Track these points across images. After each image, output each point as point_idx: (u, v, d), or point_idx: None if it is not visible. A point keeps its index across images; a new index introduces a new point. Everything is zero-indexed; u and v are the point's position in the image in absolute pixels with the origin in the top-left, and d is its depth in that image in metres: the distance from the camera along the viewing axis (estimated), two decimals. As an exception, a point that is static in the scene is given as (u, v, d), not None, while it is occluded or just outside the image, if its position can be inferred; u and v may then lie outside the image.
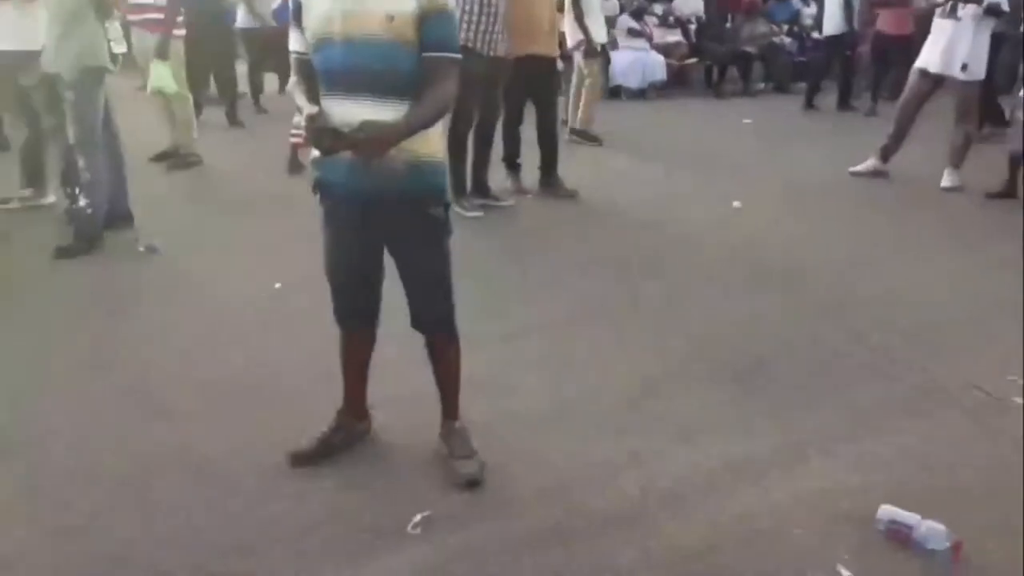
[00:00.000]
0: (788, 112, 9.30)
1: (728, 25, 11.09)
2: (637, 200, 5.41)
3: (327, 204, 2.24)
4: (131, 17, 5.33)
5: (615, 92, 9.69)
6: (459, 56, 2.12)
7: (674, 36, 10.65)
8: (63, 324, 3.34)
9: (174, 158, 5.90)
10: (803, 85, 9.85)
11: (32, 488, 2.29)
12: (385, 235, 2.23)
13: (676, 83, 10.56)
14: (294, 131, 5.58)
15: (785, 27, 11.62)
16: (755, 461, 2.46)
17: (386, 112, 2.04)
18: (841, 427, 2.66)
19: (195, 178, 5.77)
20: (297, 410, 2.68)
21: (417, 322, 2.34)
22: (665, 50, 10.34)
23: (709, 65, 11.01)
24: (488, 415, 2.63)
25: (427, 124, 2.10)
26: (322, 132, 1.96)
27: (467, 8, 4.40)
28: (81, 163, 4.09)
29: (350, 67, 2.04)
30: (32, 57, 4.23)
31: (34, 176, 4.76)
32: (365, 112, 2.03)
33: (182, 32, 5.58)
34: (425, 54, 2.06)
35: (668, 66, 10.17)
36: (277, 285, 3.74)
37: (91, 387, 2.84)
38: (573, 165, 5.75)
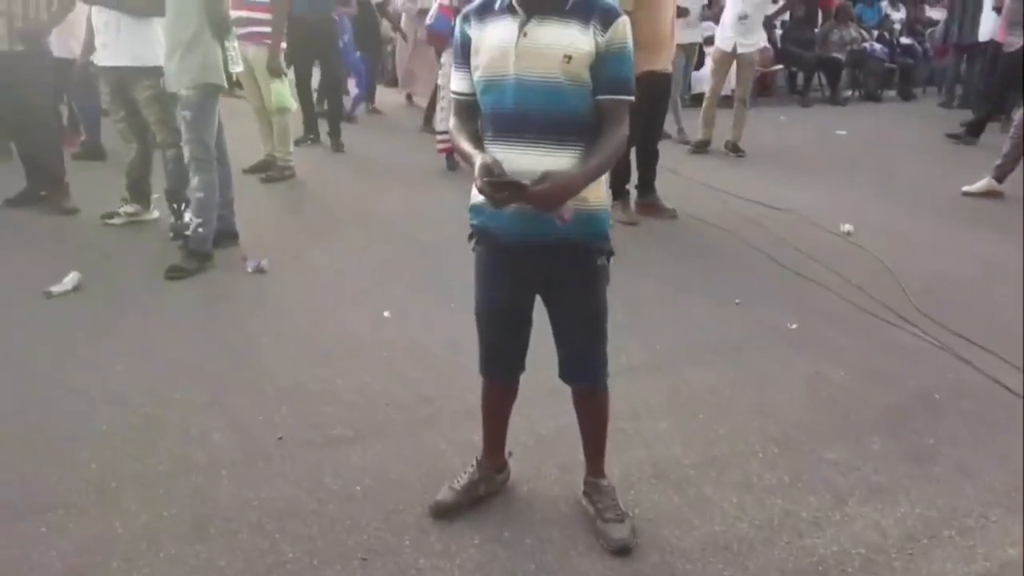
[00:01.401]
0: (882, 122, 8.97)
1: (816, 30, 10.75)
2: (739, 220, 5.22)
3: (484, 250, 2.15)
4: (238, 31, 5.36)
5: (696, 99, 9.46)
6: (633, 97, 2.01)
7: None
8: (175, 350, 3.32)
9: (270, 170, 5.92)
10: (893, 93, 9.50)
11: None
12: (543, 283, 2.13)
13: (759, 90, 10.28)
14: (440, 138, 5.87)
15: (875, 32, 11.24)
16: (926, 526, 2.29)
17: (556, 157, 1.95)
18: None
19: (291, 192, 5.78)
20: (410, 448, 2.62)
21: (567, 372, 2.23)
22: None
23: (793, 71, 10.70)
24: (625, 466, 2.53)
25: (604, 171, 2.00)
26: (502, 187, 1.86)
27: None
28: (195, 182, 4.10)
29: (521, 109, 1.95)
30: (146, 73, 4.27)
31: (139, 191, 4.79)
32: (535, 157, 1.94)
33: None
34: (600, 96, 1.96)
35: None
36: (386, 314, 3.68)
37: (202, 420, 2.80)
38: (660, 180, 5.55)
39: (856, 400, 3.01)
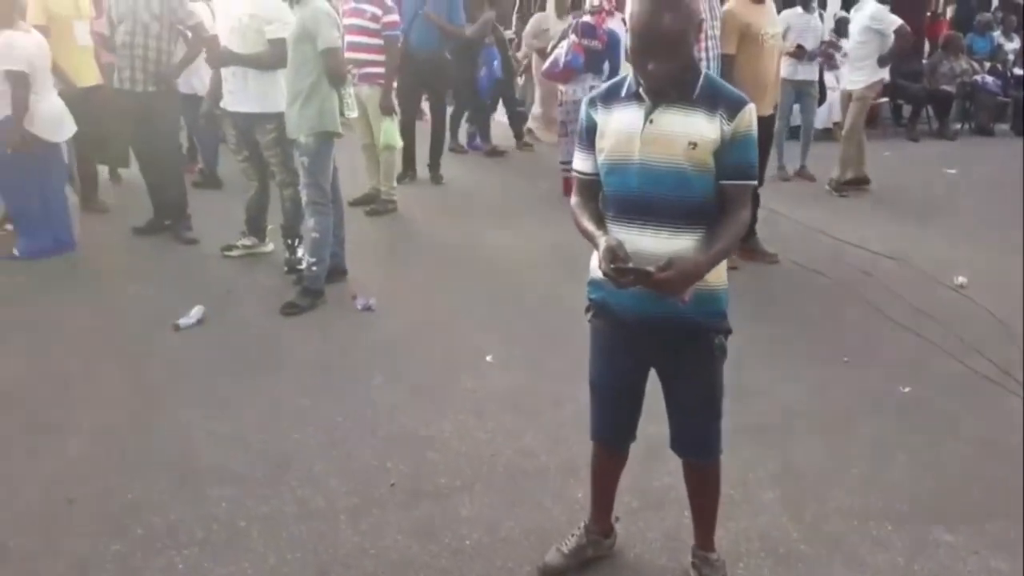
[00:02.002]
0: (995, 160, 8.58)
1: (924, 61, 10.40)
2: (843, 267, 5.10)
3: (601, 324, 2.20)
4: (353, 70, 5.61)
5: (794, 132, 9.28)
6: (756, 182, 2.03)
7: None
8: (291, 388, 3.48)
9: (374, 204, 6.13)
10: (1006, 127, 9.10)
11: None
12: (659, 358, 2.16)
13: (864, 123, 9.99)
14: (565, 167, 6.11)
15: (987, 64, 10.80)
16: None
17: (678, 239, 1.98)
18: None
19: (395, 226, 5.96)
20: (516, 504, 2.67)
21: (678, 444, 2.25)
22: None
23: (899, 104, 10.37)
24: (732, 537, 2.52)
25: (727, 255, 2.03)
26: (627, 272, 1.91)
27: None
28: (311, 223, 4.30)
29: (644, 193, 1.99)
30: (269, 119, 4.53)
31: (256, 226, 5.05)
32: (657, 240, 1.99)
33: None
34: (724, 181, 1.99)
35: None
36: (488, 358, 3.76)
37: (320, 463, 2.93)
38: (760, 221, 5.45)
39: (975, 477, 2.90)
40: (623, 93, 2.04)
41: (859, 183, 7.04)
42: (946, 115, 10.15)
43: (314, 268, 4.32)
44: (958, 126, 10.31)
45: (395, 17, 5.90)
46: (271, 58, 4.40)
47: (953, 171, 7.90)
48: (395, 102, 5.97)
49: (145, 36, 4.93)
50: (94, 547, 2.45)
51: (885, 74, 7.02)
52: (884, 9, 6.79)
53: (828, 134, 9.06)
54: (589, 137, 2.10)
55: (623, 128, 2.01)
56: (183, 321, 4.02)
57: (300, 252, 4.73)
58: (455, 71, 7.51)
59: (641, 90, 1.99)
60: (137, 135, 5.25)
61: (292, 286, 4.47)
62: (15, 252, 4.88)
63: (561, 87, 6.56)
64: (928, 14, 11.36)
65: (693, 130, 1.95)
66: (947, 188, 7.36)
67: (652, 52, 1.89)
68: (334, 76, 4.20)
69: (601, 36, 6.28)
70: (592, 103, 2.10)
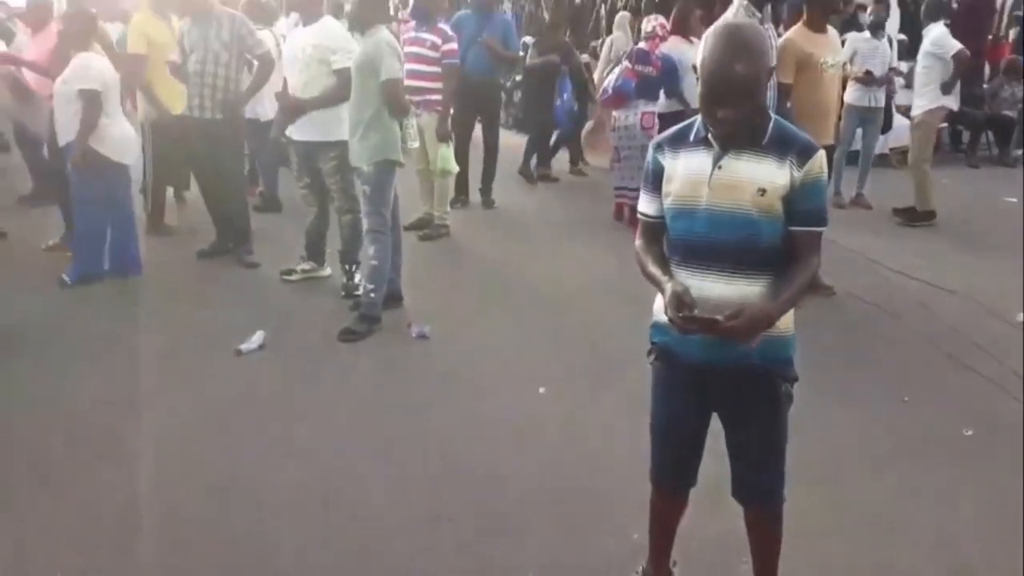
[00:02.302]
0: (1060, 188, 8.33)
1: (984, 85, 10.17)
2: (902, 300, 5.01)
3: (664, 368, 2.21)
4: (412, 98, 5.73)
5: (852, 158, 9.15)
6: (826, 227, 2.04)
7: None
8: (350, 418, 3.56)
9: (427, 228, 6.22)
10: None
11: None
12: (723, 405, 2.17)
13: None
14: (619, 192, 6.41)
15: (1052, 87, 10.50)
16: None
17: (746, 285, 1.99)
18: None
19: (449, 251, 6.04)
20: (572, 542, 2.68)
21: (740, 492, 2.24)
22: (909, 112, 9.64)
23: (958, 129, 10.16)
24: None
25: (797, 302, 2.03)
26: (695, 320, 1.93)
27: None
28: (371, 251, 4.39)
29: (711, 238, 2.01)
30: (331, 147, 4.66)
31: (316, 250, 5.17)
32: (724, 286, 2.00)
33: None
34: (793, 227, 2.00)
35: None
36: (541, 390, 3.79)
37: (381, 494, 2.98)
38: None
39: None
40: (691, 138, 2.06)
41: (924, 217, 6.88)
42: (1007, 141, 9.91)
43: (372, 295, 4.41)
44: (1019, 152, 10.05)
45: (454, 45, 6.01)
46: (339, 92, 4.51)
47: (1014, 200, 7.70)
48: (450, 129, 6.08)
49: (215, 65, 5.10)
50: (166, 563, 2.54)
51: (949, 101, 6.86)
52: (946, 34, 6.68)
53: (884, 160, 8.93)
54: (655, 180, 2.12)
55: (691, 173, 2.03)
56: (245, 346, 4.13)
57: (357, 278, 4.84)
58: (532, 99, 7.58)
59: (710, 135, 2.01)
60: (203, 161, 5.42)
61: (349, 311, 4.56)
62: (65, 278, 4.98)
63: (614, 112, 6.61)
64: (990, 37, 11.13)
65: (763, 176, 1.96)
66: (1008, 218, 7.17)
67: (723, 100, 1.90)
68: (395, 106, 4.30)
69: (655, 62, 6.30)
70: (659, 147, 2.12)
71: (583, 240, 6.31)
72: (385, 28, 4.44)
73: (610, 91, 6.42)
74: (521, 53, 8.16)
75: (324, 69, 4.64)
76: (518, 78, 9.77)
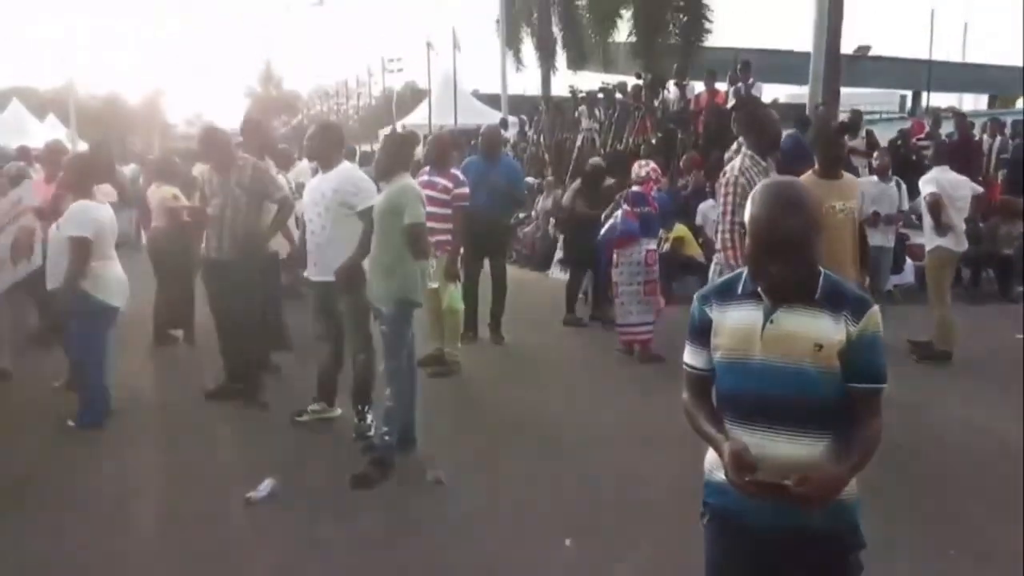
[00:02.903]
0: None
1: (981, 225, 10.41)
2: (928, 440, 4.86)
3: (719, 532, 2.08)
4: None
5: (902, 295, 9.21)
6: (886, 385, 1.98)
7: (920, 235, 10.14)
8: (359, 565, 3.40)
9: (437, 365, 6.15)
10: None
11: None
12: (785, 572, 2.03)
13: (922, 283, 9.92)
14: (621, 331, 6.53)
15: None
16: None
17: (805, 446, 1.92)
18: None
19: (459, 389, 5.94)
20: None
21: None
22: (911, 249, 9.82)
23: (958, 267, 10.31)
24: None
25: (864, 467, 1.94)
26: (760, 484, 1.83)
27: None
28: (387, 391, 4.31)
29: (767, 393, 1.94)
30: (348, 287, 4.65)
31: (327, 390, 5.08)
32: (782, 446, 1.92)
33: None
34: (852, 384, 1.93)
35: (915, 267, 9.60)
36: (568, 542, 3.60)
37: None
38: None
39: None
40: (739, 291, 2.03)
41: (940, 356, 6.84)
42: (1008, 277, 10.04)
43: (386, 437, 4.29)
44: (1020, 289, 10.15)
45: (466, 190, 6.16)
46: (369, 234, 4.51)
47: (1021, 336, 7.69)
48: (459, 269, 6.15)
49: (235, 209, 5.19)
50: None
51: (956, 240, 6.99)
52: (965, 180, 6.91)
53: (889, 296, 8.99)
54: (702, 333, 2.08)
55: (741, 327, 1.99)
56: (254, 495, 3.97)
57: (370, 419, 4.72)
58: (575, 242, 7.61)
59: (760, 289, 1.98)
60: (220, 301, 5.43)
61: (361, 455, 4.41)
62: (70, 423, 4.88)
63: (615, 251, 6.76)
64: (980, 179, 11.52)
65: (818, 332, 1.92)
66: (1013, 353, 7.14)
67: (775, 256, 1.89)
68: (418, 249, 4.34)
69: (652, 202, 6.66)
70: (705, 299, 2.09)
71: (598, 377, 6.24)
72: (408, 175, 4.56)
73: (618, 233, 6.62)
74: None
75: (342, 211, 4.71)
76: (521, 215, 10.00)
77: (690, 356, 2.13)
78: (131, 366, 6.08)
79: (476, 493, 4.14)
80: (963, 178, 6.96)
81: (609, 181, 7.96)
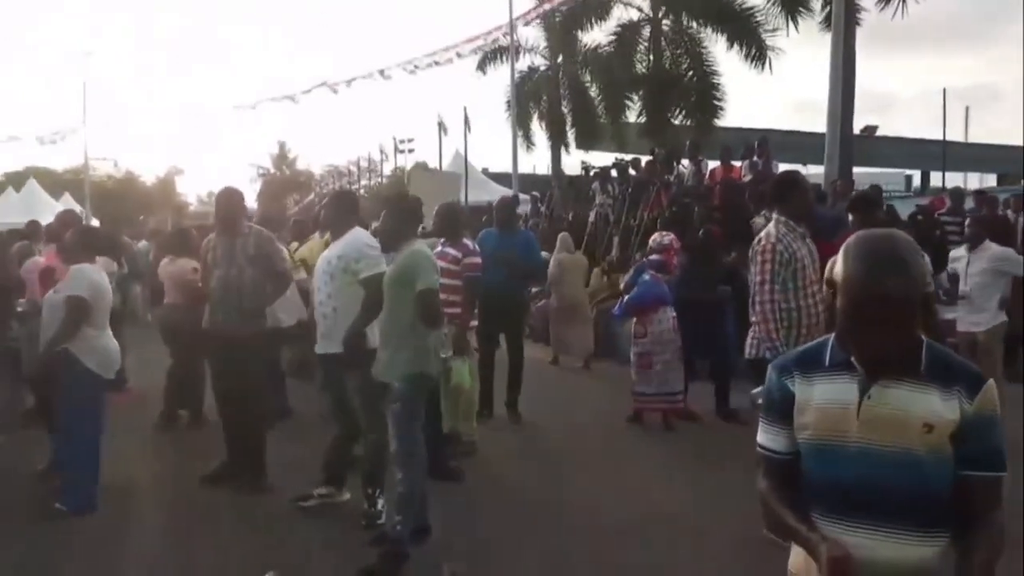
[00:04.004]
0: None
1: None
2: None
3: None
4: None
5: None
6: (1005, 473, 1.66)
7: (952, 313, 9.82)
8: None
9: (454, 446, 5.78)
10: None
11: None
12: None
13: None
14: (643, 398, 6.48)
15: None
16: None
17: (916, 546, 1.62)
18: None
19: (476, 471, 5.51)
20: None
21: None
22: (944, 326, 9.49)
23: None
24: None
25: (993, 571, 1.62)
26: None
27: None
28: (399, 477, 3.95)
29: (869, 484, 1.64)
30: (358, 362, 4.34)
31: (334, 473, 4.71)
32: (890, 545, 1.62)
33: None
34: (967, 472, 1.64)
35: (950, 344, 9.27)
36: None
37: None
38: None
39: None
40: (827, 361, 1.74)
41: None
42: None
43: (399, 527, 3.90)
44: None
45: (477, 260, 5.90)
46: (373, 300, 4.23)
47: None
48: (470, 342, 5.84)
49: (239, 281, 4.95)
50: None
51: (1005, 316, 6.69)
52: (1010, 250, 6.63)
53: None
54: (782, 411, 1.78)
55: (832, 403, 1.70)
56: (269, 593, 3.58)
57: (380, 504, 4.35)
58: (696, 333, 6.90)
59: (853, 359, 1.69)
60: (222, 375, 5.13)
61: (371, 545, 4.00)
62: (58, 506, 4.54)
63: (635, 320, 6.68)
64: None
65: (927, 410, 1.63)
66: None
67: (874, 322, 1.61)
68: (430, 317, 4.03)
69: (673, 269, 6.86)
70: (786, 371, 1.79)
71: (624, 458, 5.86)
72: (419, 240, 4.31)
73: (648, 298, 6.52)
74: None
75: (347, 278, 4.45)
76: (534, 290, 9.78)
77: (767, 438, 1.82)
78: (132, 447, 5.76)
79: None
80: (1012, 251, 6.71)
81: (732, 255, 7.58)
